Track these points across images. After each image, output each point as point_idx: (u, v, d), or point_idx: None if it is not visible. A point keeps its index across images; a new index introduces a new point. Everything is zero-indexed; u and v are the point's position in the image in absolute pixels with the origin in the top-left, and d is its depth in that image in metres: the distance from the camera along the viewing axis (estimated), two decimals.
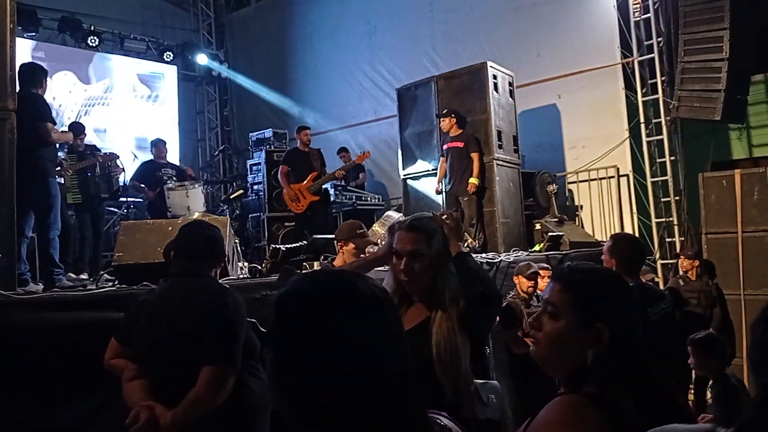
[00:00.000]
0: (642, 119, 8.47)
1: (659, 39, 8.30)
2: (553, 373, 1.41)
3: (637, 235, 7.71)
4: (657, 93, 8.40)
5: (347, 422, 0.95)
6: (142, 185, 7.83)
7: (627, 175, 8.55)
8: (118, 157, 7.15)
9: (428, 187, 7.82)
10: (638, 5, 8.48)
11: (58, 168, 5.93)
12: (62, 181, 6.29)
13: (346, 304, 0.99)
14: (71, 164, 6.55)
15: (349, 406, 0.94)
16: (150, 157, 8.34)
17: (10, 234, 3.93)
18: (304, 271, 4.37)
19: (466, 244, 6.28)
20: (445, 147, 7.39)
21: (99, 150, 6.98)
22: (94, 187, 6.72)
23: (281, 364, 0.99)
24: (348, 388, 0.94)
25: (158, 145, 8.21)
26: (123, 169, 7.28)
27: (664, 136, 8.34)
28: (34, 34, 10.32)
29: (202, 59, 12.95)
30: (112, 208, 8.31)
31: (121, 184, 7.41)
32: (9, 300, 3.46)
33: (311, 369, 0.95)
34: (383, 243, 2.18)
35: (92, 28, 11.10)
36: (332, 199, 8.64)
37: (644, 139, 8.46)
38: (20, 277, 4.32)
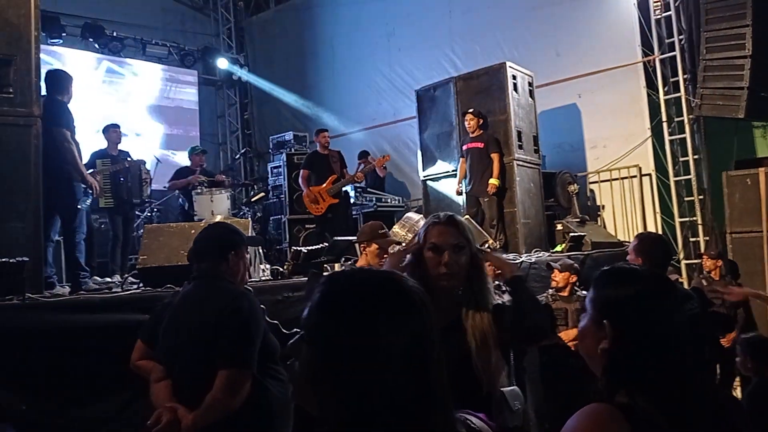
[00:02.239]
0: (664, 118, 8.38)
1: (681, 36, 8.21)
2: (594, 371, 1.41)
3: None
4: (679, 91, 8.31)
5: (378, 421, 0.95)
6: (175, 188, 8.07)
7: (649, 175, 8.46)
8: (144, 163, 7.23)
9: (448, 188, 7.81)
10: (659, 3, 8.39)
11: (91, 171, 6.01)
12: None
13: (388, 303, 0.99)
14: (103, 168, 6.61)
15: (386, 405, 0.95)
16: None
17: (36, 238, 4.00)
18: (342, 268, 4.39)
19: (486, 245, 6.27)
20: (464, 148, 7.38)
21: (130, 156, 7.03)
22: (126, 191, 6.77)
23: (320, 361, 1.00)
24: (389, 386, 0.95)
25: (198, 154, 8.40)
26: (151, 177, 7.35)
27: (687, 135, 8.24)
28: (58, 40, 10.49)
29: (222, 63, 13.07)
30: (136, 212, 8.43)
31: (149, 192, 7.48)
32: (36, 302, 3.53)
33: (351, 367, 0.96)
34: (409, 241, 2.16)
35: (114, 34, 11.28)
36: (352, 201, 8.66)
37: (667, 137, 8.37)
38: (47, 280, 4.40)
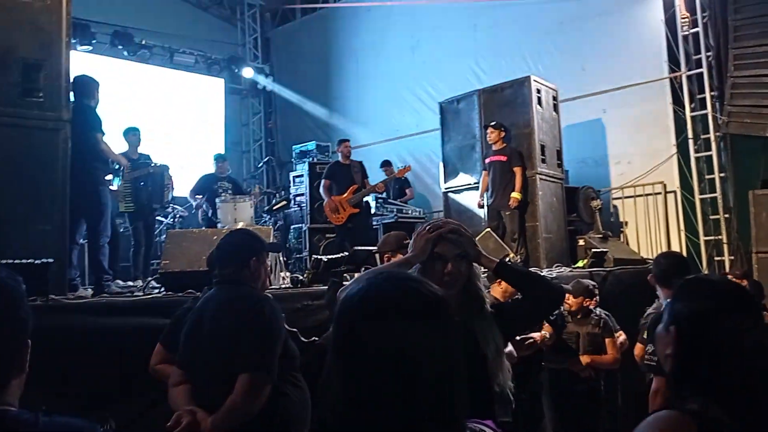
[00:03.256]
0: (690, 135, 8.30)
1: (708, 53, 8.14)
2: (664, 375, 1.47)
3: (684, 253, 7.53)
4: (706, 108, 8.23)
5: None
6: (198, 196, 8.08)
7: (674, 192, 8.38)
8: (168, 169, 7.31)
9: (470, 200, 7.79)
10: (686, 19, 8.33)
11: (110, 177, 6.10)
12: (115, 188, 6.42)
13: (409, 308, 1.00)
14: (125, 173, 6.69)
15: (405, 410, 0.95)
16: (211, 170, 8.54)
17: (62, 241, 4.06)
18: (364, 272, 4.38)
19: (507, 259, 6.22)
20: (487, 161, 7.36)
21: (151, 160, 7.09)
22: (146, 196, 6.82)
23: (341, 366, 1.01)
24: (405, 391, 0.95)
25: (221, 161, 8.42)
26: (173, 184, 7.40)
27: (713, 152, 8.15)
28: (87, 47, 10.68)
29: (248, 72, 13.21)
30: (159, 217, 8.50)
31: (170, 198, 7.52)
32: (59, 304, 3.56)
33: (372, 371, 0.96)
34: (411, 248, 2.21)
35: (143, 42, 11.45)
36: (373, 211, 8.68)
37: (692, 155, 8.28)
38: (70, 283, 4.45)
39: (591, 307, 4.95)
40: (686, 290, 1.48)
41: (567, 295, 4.92)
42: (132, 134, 7.12)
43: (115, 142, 7.19)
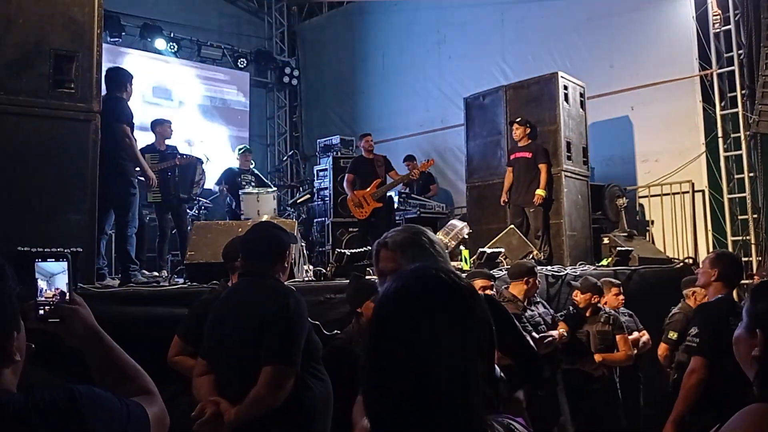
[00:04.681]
0: (720, 133, 8.17)
1: (740, 51, 8.00)
2: (748, 375, 1.48)
3: None
4: (736, 107, 8.10)
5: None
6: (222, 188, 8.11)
7: (702, 191, 8.26)
8: (201, 162, 7.34)
9: (493, 196, 7.75)
10: (718, 16, 8.20)
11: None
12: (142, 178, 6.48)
13: (434, 305, 1.03)
14: (152, 164, 6.74)
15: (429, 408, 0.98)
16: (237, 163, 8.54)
17: (90, 230, 4.12)
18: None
19: (531, 256, 6.20)
20: (512, 157, 7.33)
21: (177, 151, 7.14)
22: (174, 186, 6.84)
23: (371, 361, 1.04)
24: (419, 386, 0.98)
25: (245, 154, 8.41)
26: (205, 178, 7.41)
27: (743, 152, 8.02)
28: (117, 39, 10.82)
29: (274, 66, 13.28)
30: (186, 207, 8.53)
31: (200, 191, 7.53)
32: (87, 292, 3.62)
33: (390, 363, 1.00)
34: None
35: (172, 35, 11.57)
36: (396, 206, 8.68)
37: (722, 154, 8.16)
38: (98, 272, 4.52)
39: (613, 302, 4.92)
40: (765, 292, 1.50)
41: (575, 291, 4.91)
42: (160, 125, 7.14)
43: (142, 135, 7.31)
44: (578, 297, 4.84)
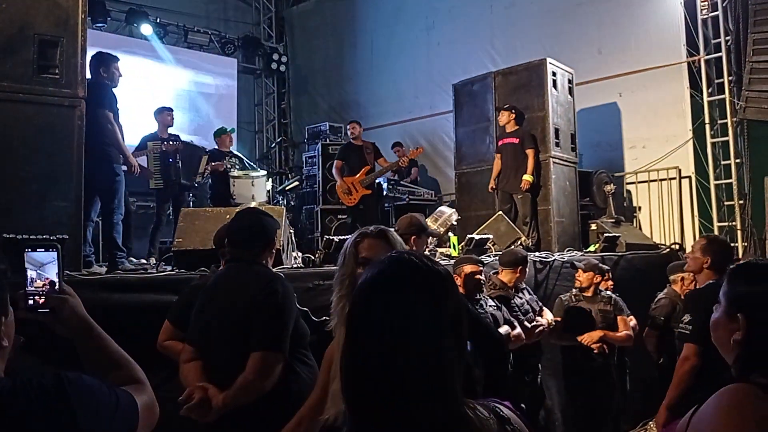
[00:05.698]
0: (707, 120, 8.22)
1: (727, 38, 8.03)
2: (726, 359, 1.48)
3: (697, 239, 7.49)
4: (723, 93, 8.14)
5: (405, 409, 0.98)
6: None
7: (689, 177, 8.32)
8: (206, 153, 7.24)
9: (482, 183, 7.77)
10: (706, 3, 8.22)
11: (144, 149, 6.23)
12: (145, 165, 6.35)
13: (409, 287, 1.04)
14: (153, 148, 6.64)
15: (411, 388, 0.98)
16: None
17: (77, 217, 4.09)
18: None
19: (519, 242, 6.22)
20: (500, 143, 7.34)
21: (180, 139, 7.04)
22: (175, 172, 6.77)
23: (349, 344, 1.05)
24: (394, 363, 0.98)
25: (222, 136, 8.07)
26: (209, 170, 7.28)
27: (730, 138, 8.07)
28: (102, 24, 10.69)
29: (262, 52, 13.18)
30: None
31: (204, 180, 7.45)
32: (74, 280, 3.59)
33: (366, 342, 1.01)
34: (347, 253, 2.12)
35: (158, 21, 11.44)
36: (385, 193, 8.68)
37: (708, 140, 8.20)
38: (85, 259, 4.49)
39: (601, 286, 4.97)
40: (742, 275, 1.49)
41: (578, 270, 4.96)
42: (165, 113, 7.04)
43: (131, 123, 7.23)
44: (581, 276, 4.92)
